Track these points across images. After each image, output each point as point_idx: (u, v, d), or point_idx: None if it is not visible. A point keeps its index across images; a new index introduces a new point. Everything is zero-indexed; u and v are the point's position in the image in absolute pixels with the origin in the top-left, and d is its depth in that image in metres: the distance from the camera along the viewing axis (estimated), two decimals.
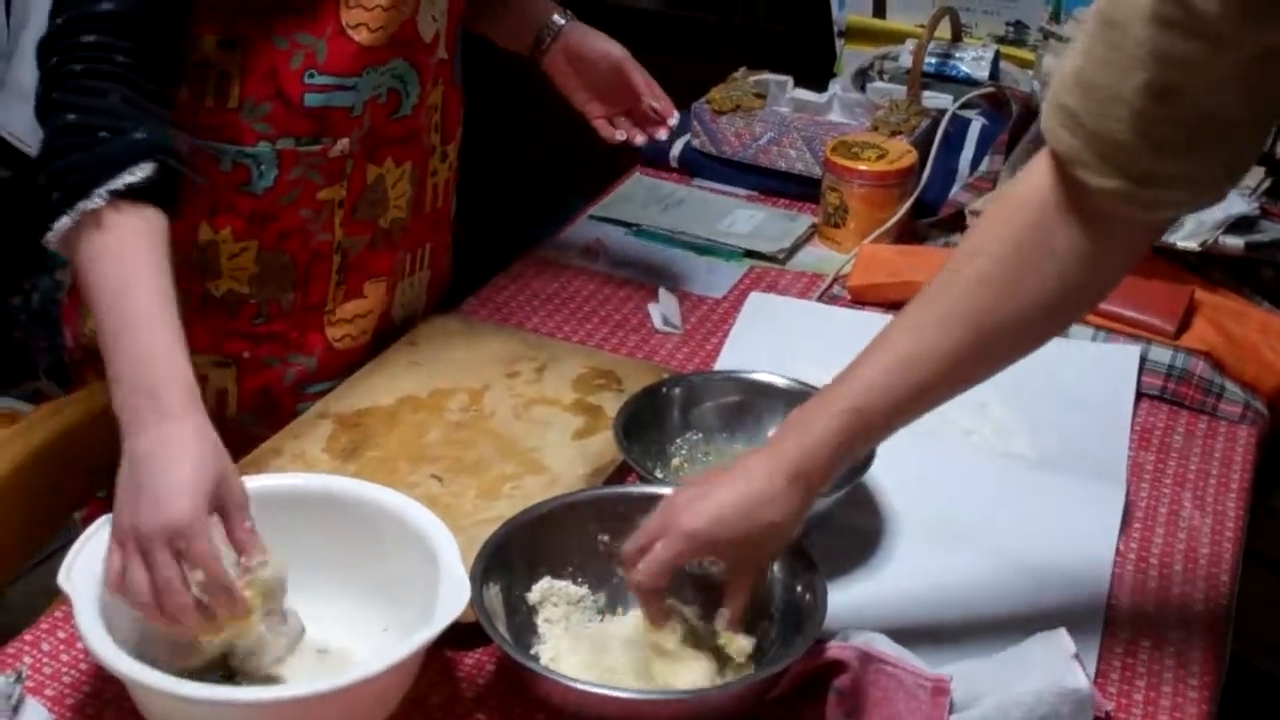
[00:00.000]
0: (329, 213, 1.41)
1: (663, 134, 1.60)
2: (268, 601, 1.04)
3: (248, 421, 1.42)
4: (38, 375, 2.96)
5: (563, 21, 1.58)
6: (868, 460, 1.23)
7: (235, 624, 1.02)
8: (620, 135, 1.60)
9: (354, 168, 1.40)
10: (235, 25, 1.30)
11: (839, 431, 1.05)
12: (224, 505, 1.02)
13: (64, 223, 1.09)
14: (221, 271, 1.39)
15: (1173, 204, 1.03)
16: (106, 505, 1.05)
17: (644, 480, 1.25)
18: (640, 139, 1.60)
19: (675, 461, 1.34)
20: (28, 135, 2.92)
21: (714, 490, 1.05)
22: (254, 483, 1.10)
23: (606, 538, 1.15)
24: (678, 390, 1.37)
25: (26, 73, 2.87)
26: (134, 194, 1.10)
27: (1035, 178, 1.06)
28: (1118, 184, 0.98)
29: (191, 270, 1.37)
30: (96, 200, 1.08)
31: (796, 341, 1.55)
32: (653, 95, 1.58)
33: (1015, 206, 1.07)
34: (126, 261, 1.09)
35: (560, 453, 1.34)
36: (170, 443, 1.02)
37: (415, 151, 1.47)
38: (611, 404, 1.39)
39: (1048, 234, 1.04)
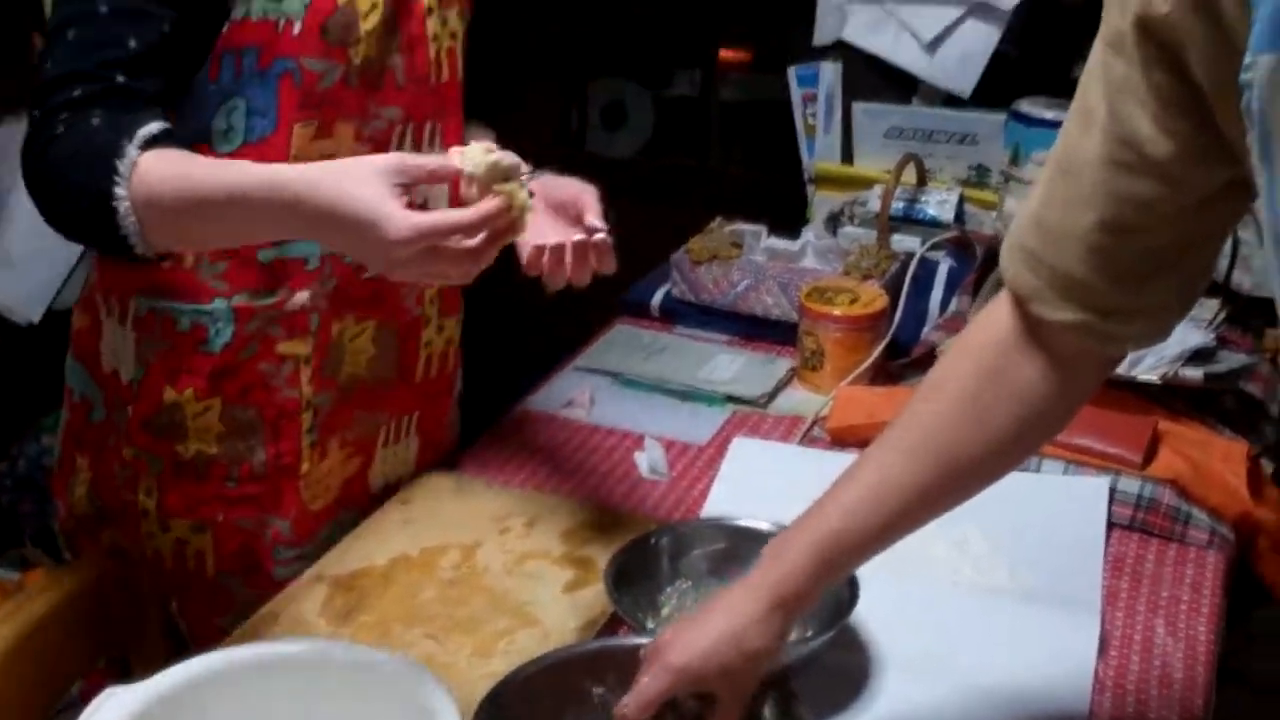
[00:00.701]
0: (293, 368, 1.42)
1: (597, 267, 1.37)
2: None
3: (228, 582, 1.45)
4: (23, 542, 2.97)
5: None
6: (852, 600, 1.27)
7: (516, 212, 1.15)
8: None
9: (320, 324, 1.43)
10: None
11: (813, 559, 1.10)
12: (404, 174, 1.12)
13: (122, 201, 1.15)
14: (188, 433, 1.41)
15: (1130, 338, 1.08)
16: (106, 676, 1.08)
17: (635, 631, 1.28)
18: (556, 282, 1.34)
19: (666, 611, 1.37)
20: (15, 303, 2.99)
21: (699, 624, 1.10)
22: (251, 650, 1.13)
23: (600, 690, 1.17)
24: (665, 540, 1.41)
25: (11, 240, 2.94)
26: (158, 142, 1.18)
27: (995, 317, 1.12)
28: (1077, 317, 1.04)
29: (158, 435, 1.41)
30: (131, 155, 1.15)
31: (780, 485, 1.58)
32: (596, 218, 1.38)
33: (977, 344, 1.13)
34: (192, 166, 1.18)
35: (552, 606, 1.37)
36: (334, 193, 1.11)
37: (384, 312, 1.48)
38: (601, 555, 1.43)
39: (1008, 370, 1.10)
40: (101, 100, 1.19)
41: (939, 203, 2.21)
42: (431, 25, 1.41)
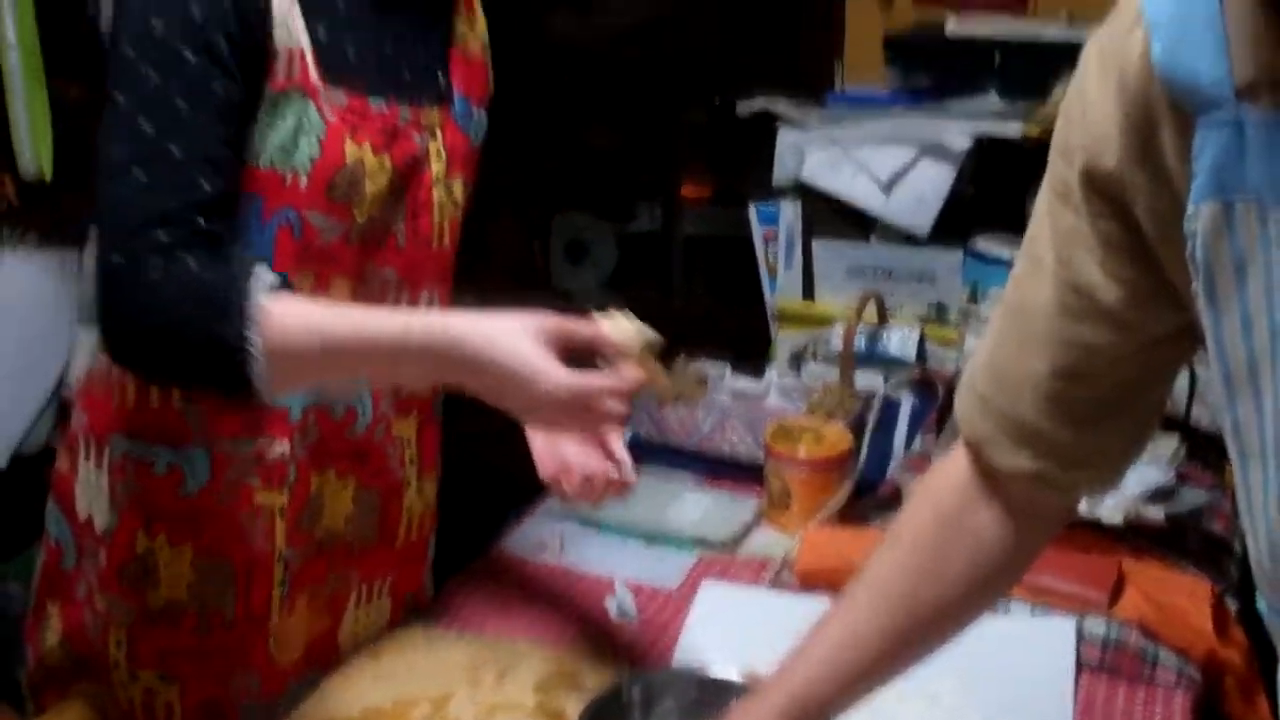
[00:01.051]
0: (269, 519, 1.41)
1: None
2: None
3: None
4: None
5: None
6: None
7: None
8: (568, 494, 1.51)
9: (298, 476, 1.42)
10: None
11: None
12: (560, 336, 1.19)
13: (255, 346, 1.19)
14: (160, 581, 1.40)
15: (1084, 484, 1.11)
16: None
17: None
18: (580, 503, 1.52)
19: None
20: None
21: None
22: None
23: None
24: (637, 690, 1.41)
25: None
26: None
27: (953, 463, 1.14)
28: (1032, 466, 1.06)
29: (130, 583, 1.40)
30: (259, 301, 1.19)
31: (750, 631, 1.60)
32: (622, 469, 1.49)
33: (935, 491, 1.15)
34: (324, 314, 1.25)
35: None
36: (484, 342, 1.20)
37: (367, 472, 1.49)
38: (573, 705, 1.42)
39: (966, 518, 1.12)
40: (188, 245, 1.21)
41: (900, 340, 2.25)
42: (438, 193, 1.43)
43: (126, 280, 1.21)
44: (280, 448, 1.40)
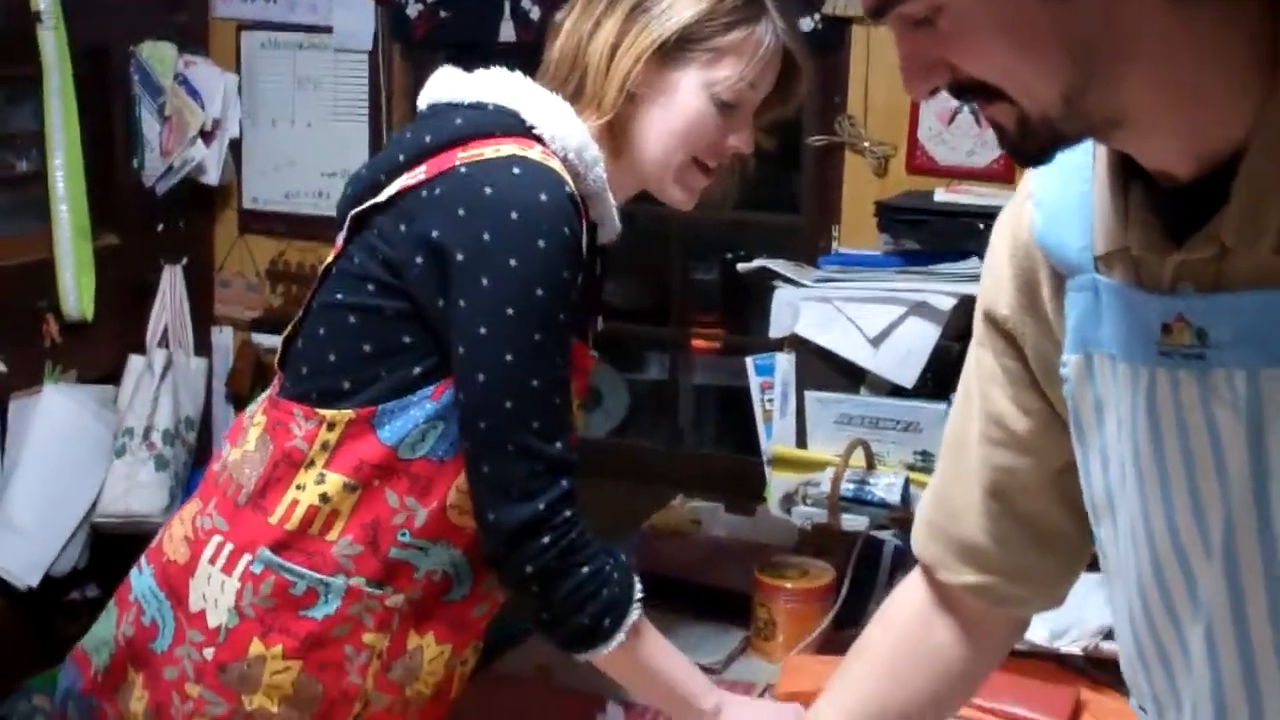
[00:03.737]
0: (368, 659, 1.54)
1: None
2: None
3: None
4: None
5: None
6: None
7: None
8: None
9: (399, 625, 1.56)
10: (363, 472, 1.50)
11: None
12: None
13: (609, 647, 1.53)
14: (260, 686, 1.51)
15: (1025, 599, 1.23)
16: None
17: None
18: None
19: None
20: (15, 569, 3.12)
21: None
22: None
23: None
24: None
25: (16, 510, 3.09)
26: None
27: (910, 587, 1.28)
28: (975, 580, 1.20)
29: (231, 682, 1.51)
30: (634, 615, 1.54)
31: None
32: None
33: (896, 610, 1.29)
34: (668, 659, 1.61)
35: None
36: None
37: (460, 639, 1.62)
38: None
39: (923, 634, 1.25)
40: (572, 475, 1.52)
41: (886, 485, 2.37)
42: None
43: (559, 534, 1.49)
44: (398, 598, 1.55)
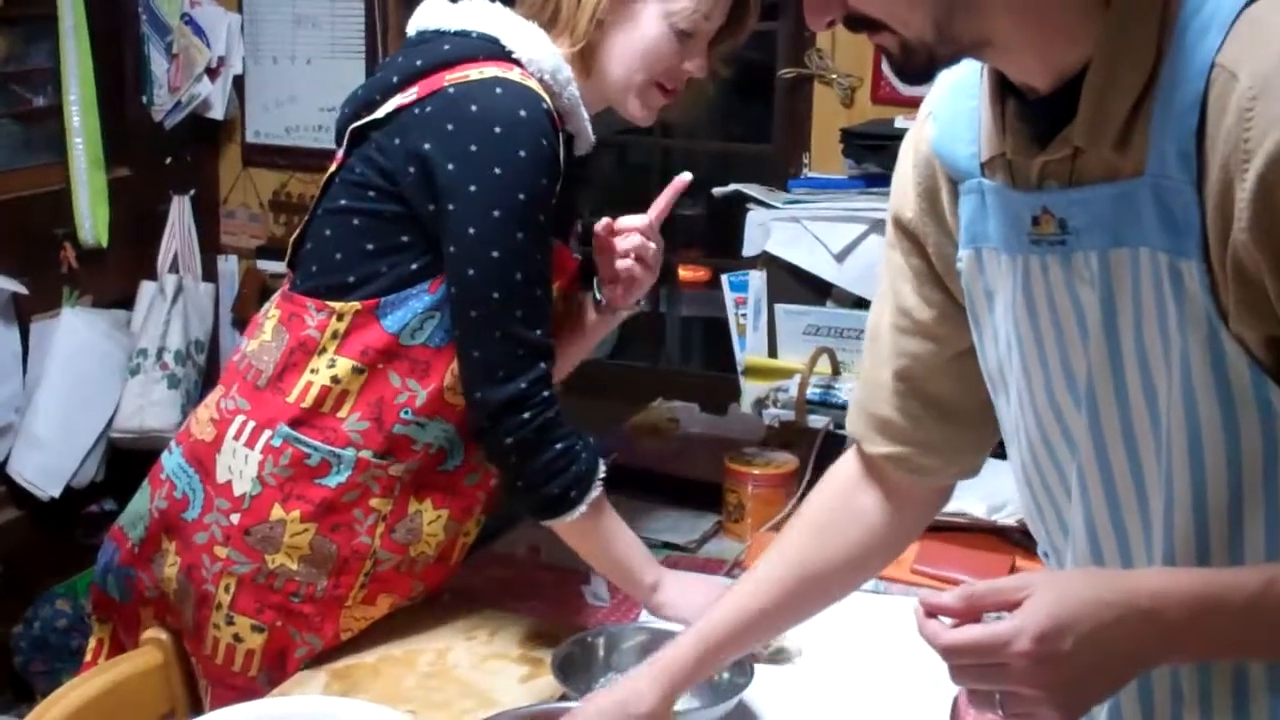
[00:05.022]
0: (375, 521, 1.74)
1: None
2: None
3: (261, 682, 1.74)
4: (33, 698, 3.23)
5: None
6: (747, 675, 1.59)
7: None
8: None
9: (400, 491, 1.75)
10: (369, 356, 1.70)
11: (693, 645, 1.43)
12: None
13: (572, 516, 1.72)
14: (280, 547, 1.71)
15: (938, 469, 1.39)
16: None
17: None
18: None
19: None
20: (38, 479, 3.32)
21: (604, 693, 1.44)
22: (281, 702, 1.44)
23: None
24: (601, 639, 1.73)
25: (38, 424, 3.29)
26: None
27: (844, 460, 1.45)
28: (891, 450, 1.37)
29: (255, 543, 1.71)
30: (595, 492, 1.72)
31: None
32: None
33: (830, 481, 1.46)
34: (620, 538, 1.80)
35: (510, 692, 1.69)
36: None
37: (456, 507, 1.81)
38: (551, 656, 1.75)
39: (849, 499, 1.42)
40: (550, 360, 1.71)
41: (850, 390, 2.58)
42: None
43: (532, 408, 1.67)
44: (400, 467, 1.74)
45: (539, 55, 1.73)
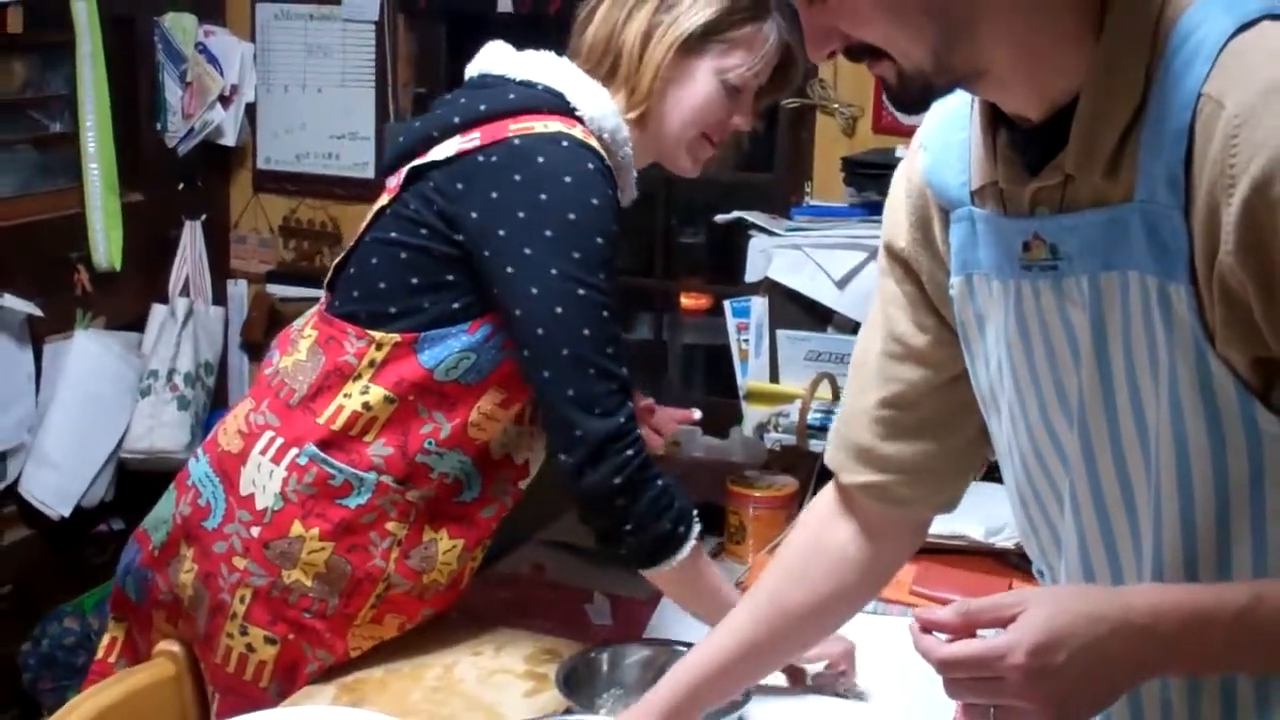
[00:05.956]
0: (390, 545, 1.77)
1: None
2: None
3: (272, 693, 1.77)
4: (41, 716, 3.26)
5: None
6: (745, 697, 1.62)
7: None
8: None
9: (415, 519, 1.78)
10: (402, 387, 1.74)
11: (674, 687, 1.45)
12: None
13: (683, 554, 1.73)
14: (297, 563, 1.75)
15: (913, 501, 1.39)
16: None
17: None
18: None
19: (603, 711, 1.71)
20: (49, 499, 3.36)
21: None
22: (294, 711, 1.48)
23: None
24: (605, 655, 1.77)
25: (49, 444, 3.33)
26: None
27: (823, 494, 1.46)
28: (867, 478, 1.37)
29: (274, 557, 1.74)
30: (697, 526, 1.75)
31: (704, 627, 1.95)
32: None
33: (809, 517, 1.48)
34: (717, 575, 1.80)
35: (515, 706, 1.73)
36: None
37: (471, 536, 1.84)
38: (555, 671, 1.78)
39: (827, 535, 1.43)
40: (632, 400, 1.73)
41: None
42: None
43: (625, 456, 1.69)
44: (416, 493, 1.78)
45: (600, 113, 1.79)
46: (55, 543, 3.41)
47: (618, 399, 1.69)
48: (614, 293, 1.72)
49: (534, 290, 1.68)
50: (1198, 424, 1.09)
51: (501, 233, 1.69)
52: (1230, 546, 1.11)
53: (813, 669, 1.78)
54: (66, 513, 3.34)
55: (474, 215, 1.71)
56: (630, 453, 1.69)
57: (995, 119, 1.18)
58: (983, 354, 1.27)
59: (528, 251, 1.68)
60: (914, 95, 1.11)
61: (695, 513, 1.76)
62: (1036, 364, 1.19)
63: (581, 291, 1.68)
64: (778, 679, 1.77)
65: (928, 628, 1.08)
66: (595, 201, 1.70)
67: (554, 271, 1.68)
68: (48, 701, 3.22)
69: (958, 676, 1.06)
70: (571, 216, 1.68)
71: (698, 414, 2.12)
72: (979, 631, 1.07)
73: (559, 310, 1.68)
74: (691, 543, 1.74)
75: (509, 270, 1.69)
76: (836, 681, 1.77)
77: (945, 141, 1.25)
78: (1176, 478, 1.11)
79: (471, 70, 1.87)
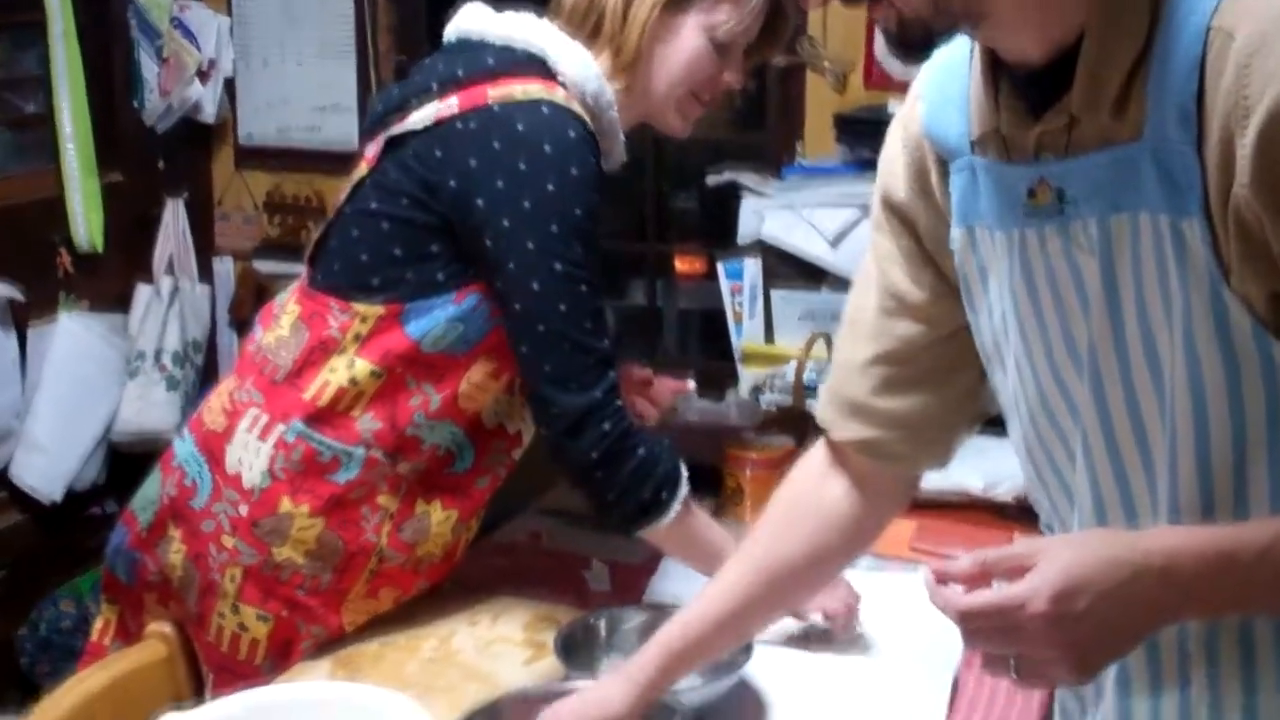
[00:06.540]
0: (382, 519, 1.74)
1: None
2: None
3: (266, 669, 1.75)
4: (40, 699, 3.23)
5: None
6: (747, 652, 1.60)
7: None
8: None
9: (407, 491, 1.76)
10: (389, 360, 1.71)
11: (660, 650, 1.41)
12: None
13: (667, 518, 1.72)
14: (288, 540, 1.71)
15: (904, 457, 1.36)
16: None
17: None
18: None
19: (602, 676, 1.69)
20: (39, 484, 3.33)
21: (583, 692, 1.43)
22: (288, 689, 1.46)
23: None
24: (602, 620, 1.74)
25: (38, 429, 3.30)
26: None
27: (814, 450, 1.43)
28: (860, 434, 1.35)
29: (263, 535, 1.71)
30: (685, 489, 1.72)
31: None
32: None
33: (798, 473, 1.44)
34: (714, 531, 1.78)
35: (514, 675, 1.70)
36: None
37: (465, 507, 1.82)
38: (553, 639, 1.75)
39: (816, 490, 1.40)
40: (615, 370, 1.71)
41: None
42: None
43: (608, 422, 1.67)
44: (406, 466, 1.75)
45: (583, 76, 1.74)
46: (49, 527, 3.38)
47: (595, 373, 1.67)
48: (594, 265, 1.68)
49: (511, 265, 1.66)
50: (1213, 364, 1.07)
51: (480, 203, 1.66)
52: (1247, 486, 1.10)
53: (814, 618, 1.77)
54: (58, 497, 3.32)
55: (452, 184, 1.68)
56: (607, 426, 1.67)
57: (996, 67, 1.15)
58: (985, 307, 1.24)
59: (505, 224, 1.65)
60: (915, 40, 1.09)
61: (684, 476, 1.74)
62: (1044, 313, 1.17)
63: (558, 266, 1.65)
64: (786, 626, 1.76)
65: (943, 579, 1.06)
66: (575, 171, 1.66)
67: (530, 245, 1.64)
68: (47, 685, 3.18)
69: (978, 626, 1.04)
70: (550, 187, 1.64)
71: (693, 384, 2.09)
72: (994, 582, 1.05)
73: (535, 286, 1.65)
74: (676, 507, 1.72)
75: (488, 244, 1.66)
76: (840, 632, 1.76)
77: (943, 91, 1.22)
78: (1193, 420, 1.09)
79: (449, 32, 1.82)
